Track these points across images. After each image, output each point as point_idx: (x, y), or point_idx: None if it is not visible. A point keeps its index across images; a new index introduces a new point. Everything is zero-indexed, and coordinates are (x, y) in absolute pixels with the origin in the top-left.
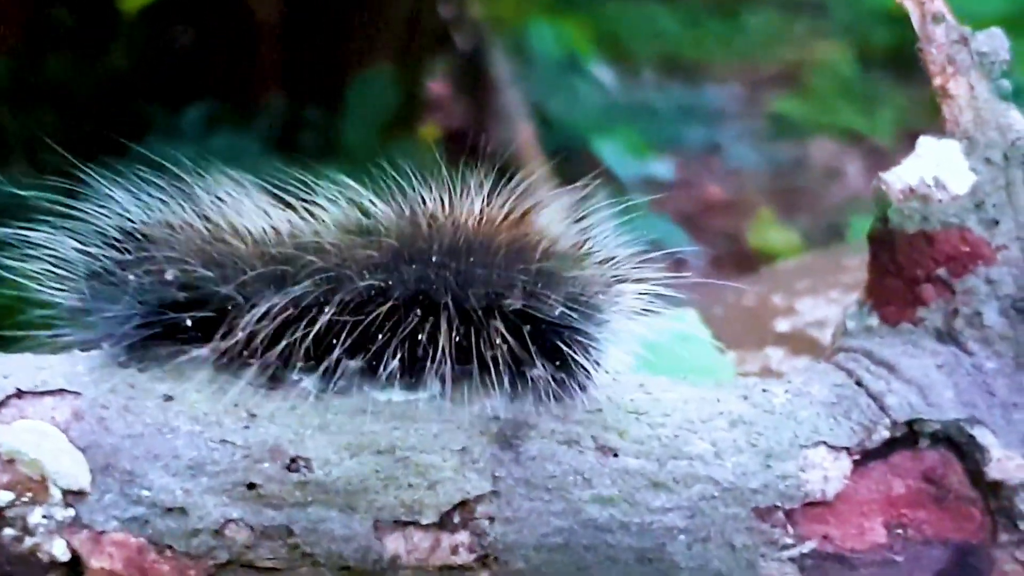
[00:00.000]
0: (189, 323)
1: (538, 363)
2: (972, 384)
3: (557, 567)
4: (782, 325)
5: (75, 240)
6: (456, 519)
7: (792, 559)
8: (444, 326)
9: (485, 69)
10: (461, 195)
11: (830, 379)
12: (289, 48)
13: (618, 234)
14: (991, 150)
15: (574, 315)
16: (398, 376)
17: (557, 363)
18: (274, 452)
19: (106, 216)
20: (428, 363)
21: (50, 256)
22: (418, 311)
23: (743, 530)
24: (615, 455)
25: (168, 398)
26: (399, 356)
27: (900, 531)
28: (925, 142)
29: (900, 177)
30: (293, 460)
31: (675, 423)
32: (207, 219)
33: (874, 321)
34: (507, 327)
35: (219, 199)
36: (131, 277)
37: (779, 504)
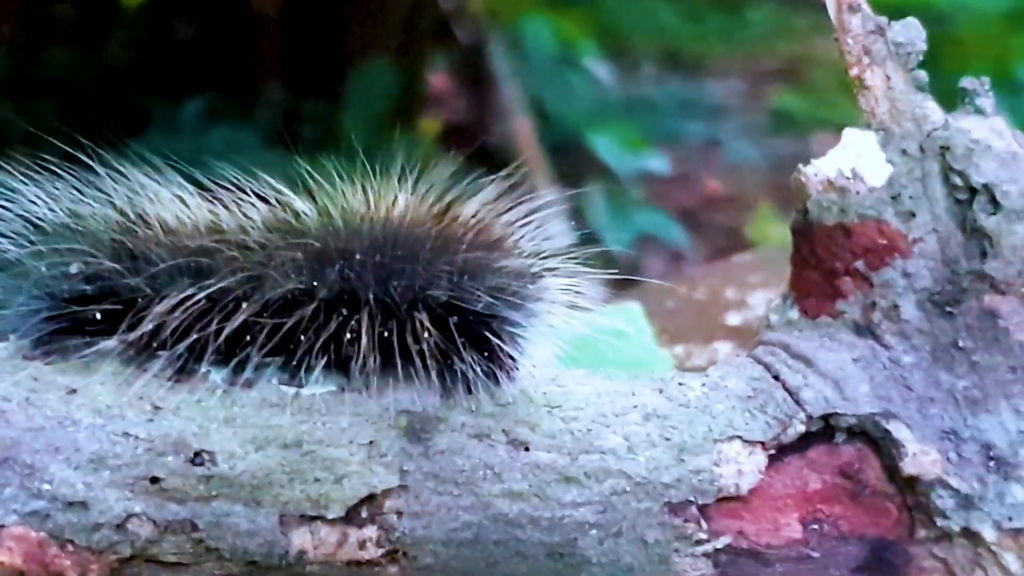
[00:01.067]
0: (98, 316)
1: (465, 355)
2: (888, 378)
3: (466, 562)
4: (733, 319)
5: None
6: (364, 514)
7: (706, 554)
8: (366, 322)
9: (484, 63)
10: (385, 189)
11: (747, 373)
12: (289, 41)
13: (544, 226)
14: (907, 141)
15: (500, 306)
16: (320, 375)
17: (485, 354)
18: (178, 445)
19: (11, 208)
20: (353, 360)
21: None
22: (343, 310)
23: (656, 525)
24: (526, 449)
25: (71, 391)
26: (324, 358)
27: (816, 526)
28: (849, 133)
29: (820, 169)
30: (197, 454)
31: (588, 417)
32: (118, 210)
33: (795, 314)
34: (432, 320)
35: (132, 190)
36: (35, 270)
37: (692, 499)
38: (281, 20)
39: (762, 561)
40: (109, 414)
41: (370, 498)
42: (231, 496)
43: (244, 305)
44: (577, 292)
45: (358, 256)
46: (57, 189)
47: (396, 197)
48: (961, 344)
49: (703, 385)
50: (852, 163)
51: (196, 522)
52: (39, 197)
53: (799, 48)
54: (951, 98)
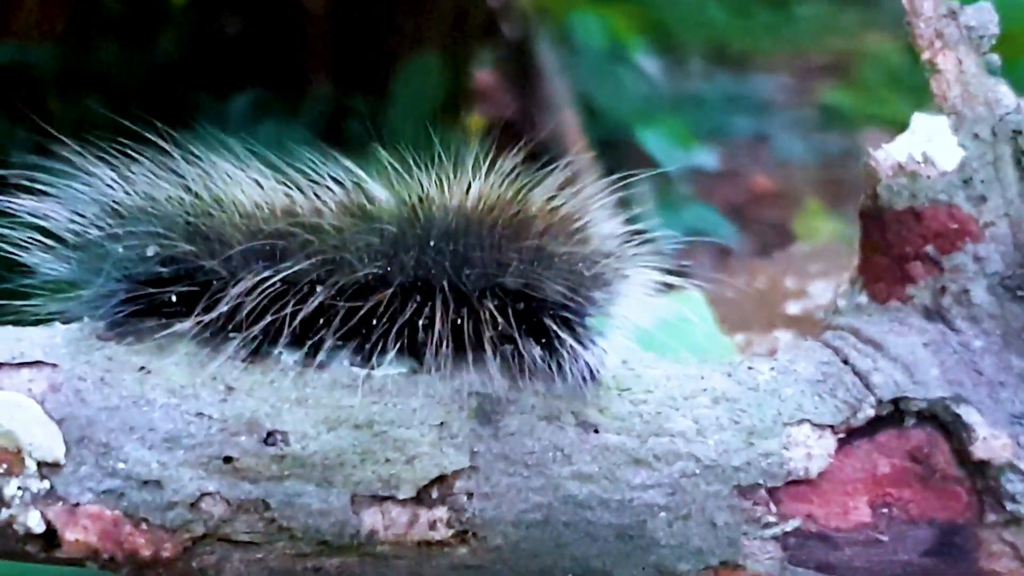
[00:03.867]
0: (174, 298)
1: (525, 343)
2: (959, 362)
3: (536, 544)
4: (793, 308)
5: (62, 215)
6: (434, 494)
7: (775, 537)
8: (440, 310)
9: (532, 59)
10: (458, 176)
11: (816, 357)
12: (336, 37)
13: (616, 214)
14: (979, 125)
15: (568, 294)
16: (393, 357)
17: (545, 341)
18: (251, 425)
19: (88, 192)
20: (426, 345)
21: (39, 227)
22: (417, 297)
23: (725, 508)
24: (596, 431)
25: (145, 371)
26: (398, 343)
27: (885, 510)
28: (919, 118)
29: (890, 153)
30: (270, 434)
31: (657, 400)
32: (193, 192)
33: (863, 299)
34: (499, 307)
35: (207, 173)
36: (113, 252)
37: (762, 482)
38: (329, 16)
39: (831, 544)
40: (183, 394)
41: (440, 479)
42: (303, 476)
43: (319, 289)
44: (646, 281)
45: (432, 243)
46: (133, 173)
47: (470, 184)
48: None
49: (772, 369)
50: (923, 147)
51: (269, 501)
52: (116, 181)
53: (847, 43)
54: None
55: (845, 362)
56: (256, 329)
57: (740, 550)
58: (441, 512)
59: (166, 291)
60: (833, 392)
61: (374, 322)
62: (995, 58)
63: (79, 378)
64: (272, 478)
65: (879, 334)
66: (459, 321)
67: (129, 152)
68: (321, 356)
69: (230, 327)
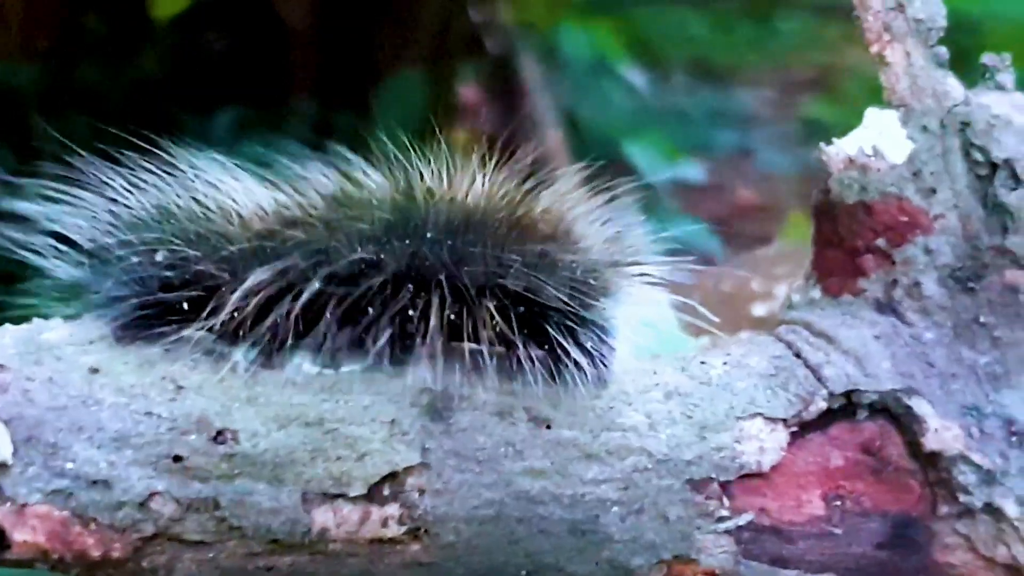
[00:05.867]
0: (185, 306)
1: (524, 345)
2: (910, 355)
3: (489, 540)
4: (759, 310)
5: (75, 220)
6: (386, 491)
7: (728, 531)
8: (436, 303)
9: (516, 74)
10: (461, 172)
11: (769, 351)
12: (319, 54)
13: (620, 219)
14: (928, 118)
15: (569, 300)
16: (388, 353)
17: (547, 347)
18: (201, 424)
19: (101, 200)
20: (418, 339)
21: (52, 233)
22: (410, 287)
23: (677, 502)
24: (548, 427)
25: (94, 371)
26: (389, 332)
27: (838, 503)
28: (871, 112)
29: (841, 148)
30: (220, 432)
31: (610, 395)
32: (196, 201)
33: (816, 294)
34: (499, 308)
35: (210, 183)
36: (127, 259)
37: (714, 476)
38: (312, 33)
39: (784, 538)
40: (132, 393)
41: (392, 476)
42: (253, 474)
43: (313, 280)
44: (645, 292)
45: (429, 234)
46: (143, 182)
47: (474, 179)
48: (983, 320)
49: (725, 363)
50: (873, 141)
51: (219, 500)
52: (124, 188)
53: (830, 57)
54: None
55: (797, 356)
56: (262, 329)
57: (693, 544)
58: (393, 509)
59: (177, 297)
60: (785, 386)
61: (366, 308)
62: (943, 50)
63: (27, 378)
64: (222, 477)
65: (831, 327)
66: (454, 317)
67: (132, 161)
68: (329, 350)
69: (241, 332)
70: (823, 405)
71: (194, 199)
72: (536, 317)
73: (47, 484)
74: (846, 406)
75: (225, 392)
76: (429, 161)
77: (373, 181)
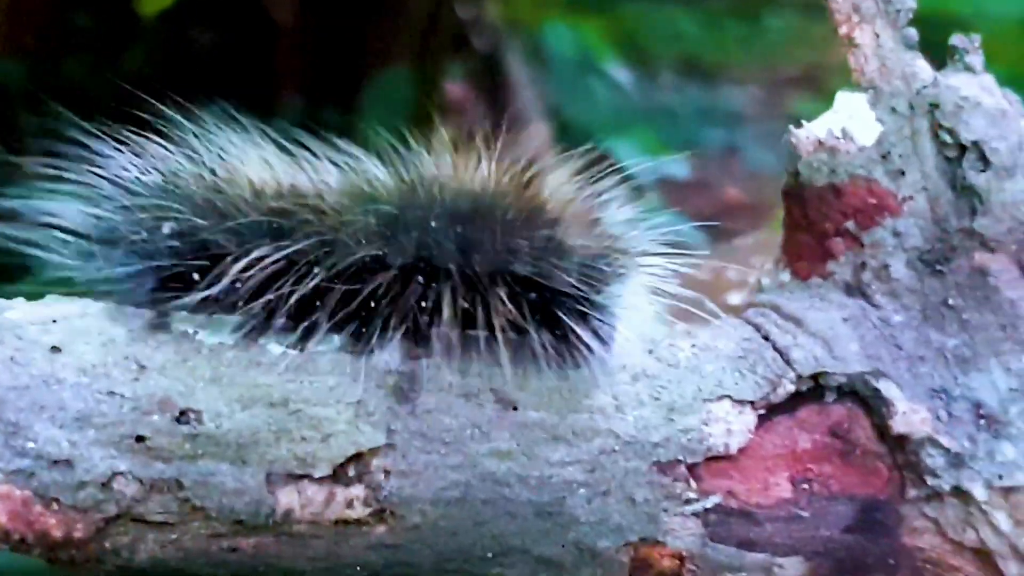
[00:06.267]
0: (196, 276)
1: (537, 332)
2: (878, 337)
3: (454, 521)
4: (734, 298)
5: (81, 210)
6: (351, 472)
7: (695, 514)
8: (448, 294)
9: (502, 71)
10: (467, 160)
11: (738, 333)
12: (306, 51)
13: (627, 205)
14: (896, 99)
15: (580, 286)
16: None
17: (559, 332)
18: (164, 404)
19: (102, 171)
20: (432, 329)
21: (59, 223)
22: (420, 279)
23: (644, 484)
24: (515, 408)
25: (55, 349)
26: (404, 327)
27: (806, 486)
28: (841, 95)
29: (810, 130)
30: (183, 412)
31: (577, 376)
32: (209, 169)
33: (786, 277)
34: (510, 295)
35: (222, 149)
36: (132, 230)
37: (681, 458)
38: (299, 30)
39: (752, 521)
40: (94, 373)
41: (357, 457)
42: (217, 455)
43: (316, 270)
44: (655, 278)
45: (434, 224)
46: (147, 149)
47: (479, 167)
48: (951, 303)
49: (693, 346)
50: (843, 123)
51: (182, 481)
52: (131, 163)
53: (817, 55)
54: None
55: (766, 338)
56: (256, 307)
57: (660, 526)
58: (358, 490)
59: (187, 264)
60: (753, 368)
61: (373, 305)
62: (912, 32)
63: None
64: (186, 457)
65: (800, 310)
66: (468, 306)
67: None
68: (316, 339)
69: (237, 303)
70: (791, 388)
71: (208, 167)
72: (547, 303)
73: (8, 464)
74: (814, 389)
75: (189, 372)
76: (432, 150)
77: (379, 169)
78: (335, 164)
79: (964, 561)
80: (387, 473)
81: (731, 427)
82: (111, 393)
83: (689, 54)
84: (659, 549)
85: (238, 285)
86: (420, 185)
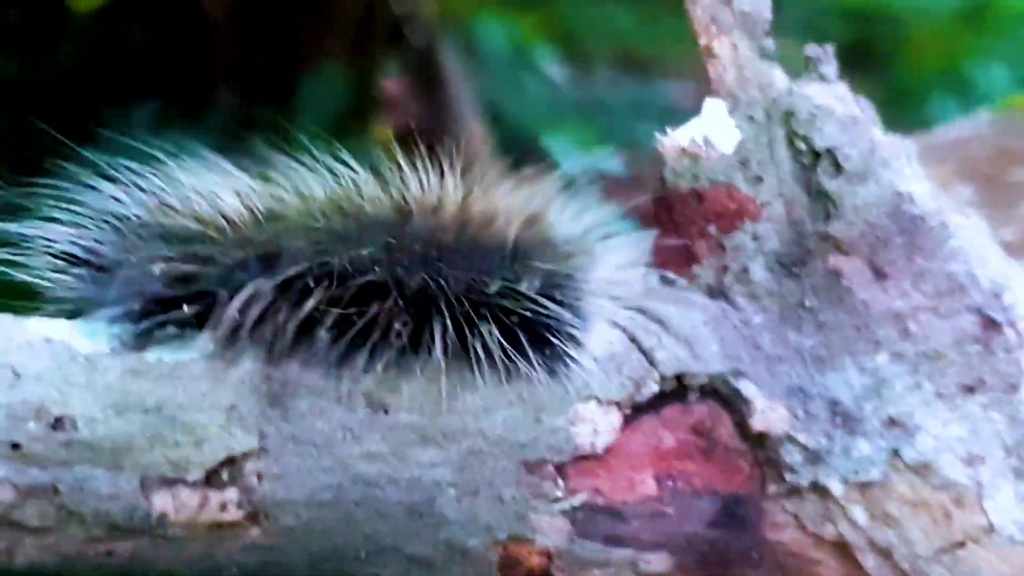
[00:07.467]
0: (188, 311)
1: (528, 358)
2: (738, 338)
3: (327, 523)
4: None
5: (73, 235)
6: (224, 476)
7: (563, 512)
8: (439, 327)
9: (437, 66)
10: (441, 182)
11: (605, 336)
12: (240, 47)
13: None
14: (753, 108)
15: (555, 297)
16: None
17: (547, 351)
18: (39, 412)
19: (96, 210)
20: (425, 353)
21: (50, 250)
22: (410, 313)
23: (512, 483)
24: (386, 411)
25: None
26: (392, 350)
27: (670, 483)
28: (708, 103)
29: (675, 138)
30: (58, 419)
31: (448, 379)
32: (188, 208)
33: (654, 280)
34: (502, 330)
35: (197, 190)
36: (128, 273)
37: (549, 458)
38: (232, 25)
39: (618, 518)
40: None
41: (230, 461)
42: (92, 460)
43: (314, 293)
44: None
45: (432, 252)
46: (132, 187)
47: (472, 191)
48: (808, 304)
49: None
50: (705, 131)
51: (58, 486)
52: (117, 198)
53: None
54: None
55: (632, 340)
56: (258, 338)
57: (528, 524)
58: (231, 494)
59: (186, 311)
60: (619, 369)
61: (368, 330)
62: (769, 43)
63: None
64: (61, 463)
65: (664, 312)
66: (458, 341)
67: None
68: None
69: (244, 339)
70: (655, 388)
71: (180, 202)
72: (538, 328)
73: None
74: (677, 388)
75: (64, 379)
76: (415, 173)
77: (370, 192)
78: (323, 180)
79: (824, 554)
80: (260, 476)
81: (597, 427)
82: None
83: (626, 49)
84: (528, 547)
85: (233, 323)
86: (409, 209)
